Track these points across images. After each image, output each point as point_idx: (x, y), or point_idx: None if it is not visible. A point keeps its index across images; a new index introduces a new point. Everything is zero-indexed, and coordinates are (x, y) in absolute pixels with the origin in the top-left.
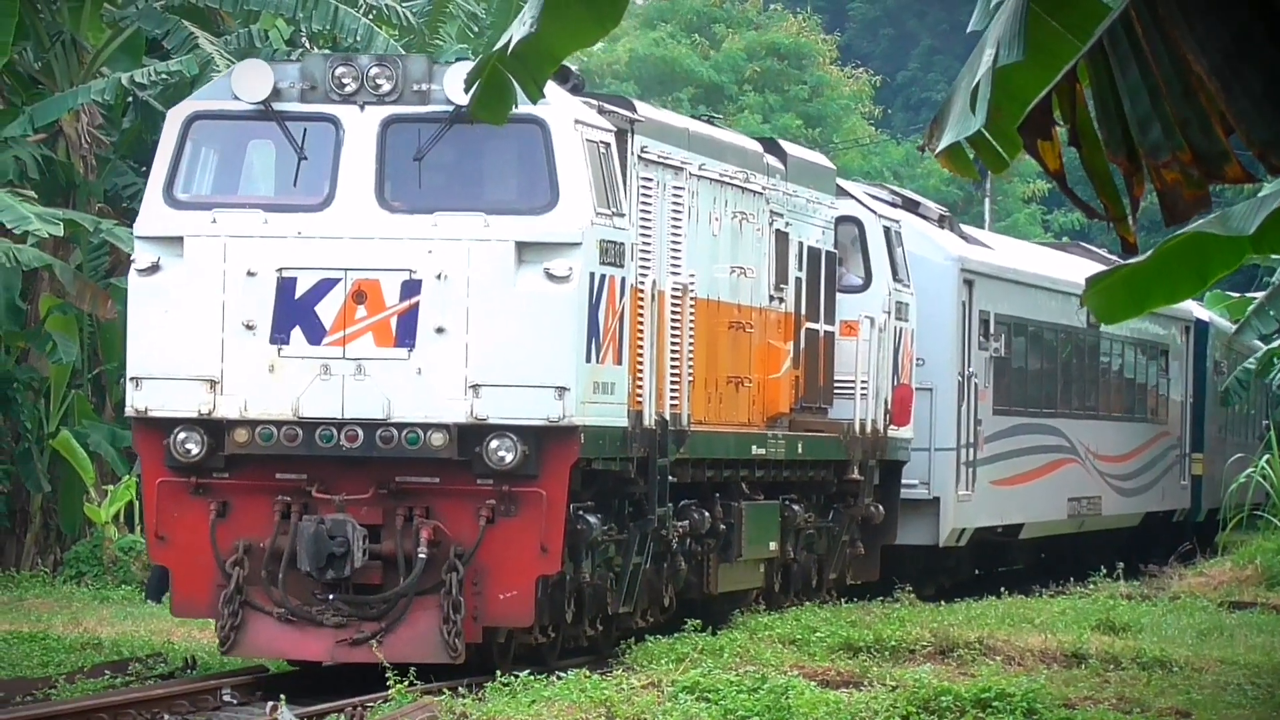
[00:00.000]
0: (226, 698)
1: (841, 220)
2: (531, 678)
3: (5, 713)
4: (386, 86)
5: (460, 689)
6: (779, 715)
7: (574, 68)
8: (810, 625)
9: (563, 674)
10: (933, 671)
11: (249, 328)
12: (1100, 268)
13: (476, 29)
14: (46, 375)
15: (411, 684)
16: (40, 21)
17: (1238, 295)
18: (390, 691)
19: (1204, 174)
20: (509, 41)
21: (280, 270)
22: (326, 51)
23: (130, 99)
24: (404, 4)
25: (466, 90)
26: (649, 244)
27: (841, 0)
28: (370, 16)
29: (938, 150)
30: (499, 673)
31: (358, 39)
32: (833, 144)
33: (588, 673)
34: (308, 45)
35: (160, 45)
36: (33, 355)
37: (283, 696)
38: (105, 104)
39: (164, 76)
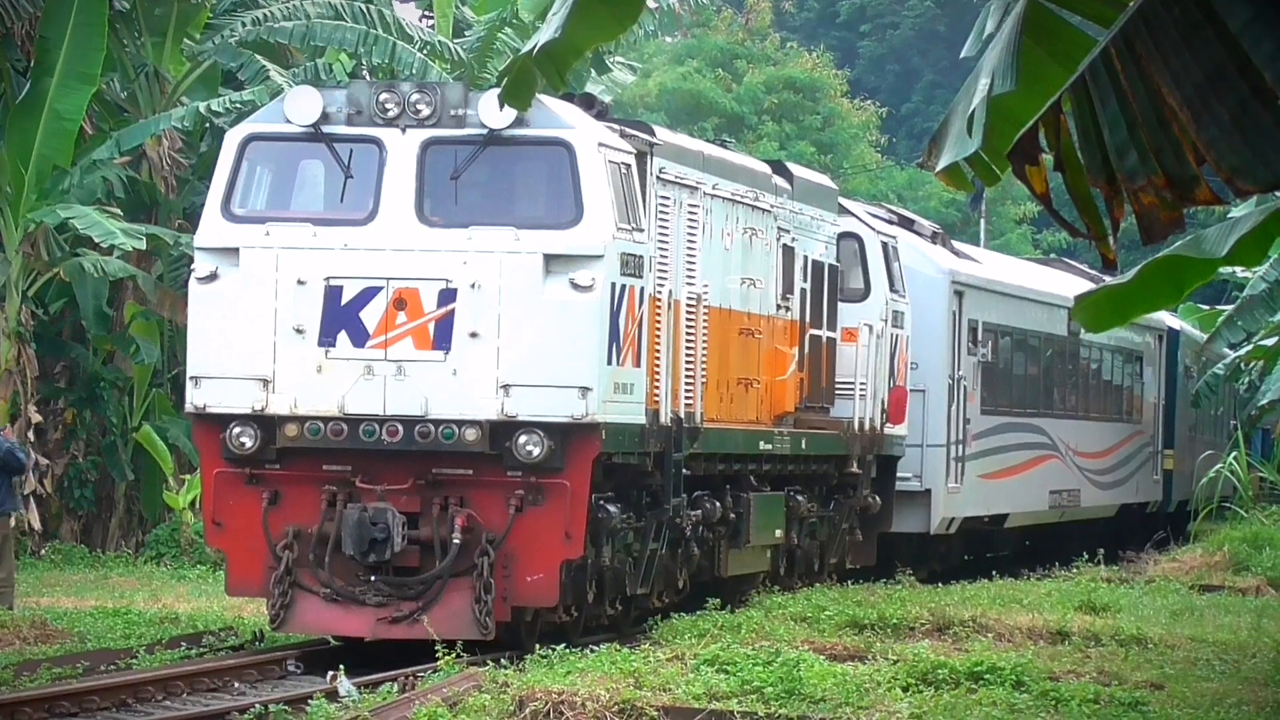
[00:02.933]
0: (291, 668)
1: (843, 236)
2: (567, 651)
3: (91, 679)
4: (426, 111)
5: (502, 660)
6: (791, 686)
7: (603, 98)
8: (820, 605)
9: (594, 648)
10: (931, 647)
11: (299, 331)
12: (1080, 280)
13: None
14: (130, 375)
15: (458, 656)
16: (126, 55)
17: (1208, 308)
18: (439, 663)
19: (1177, 197)
20: (536, 44)
21: (328, 279)
22: (370, 80)
23: (207, 125)
24: (456, 40)
25: (498, 84)
26: (666, 257)
27: (852, 39)
28: (425, 52)
29: (937, 169)
30: (538, 646)
31: (413, 72)
32: (843, 169)
33: (617, 646)
34: (368, 78)
35: (235, 77)
36: (118, 357)
37: (341, 667)
38: (185, 130)
39: (238, 105)
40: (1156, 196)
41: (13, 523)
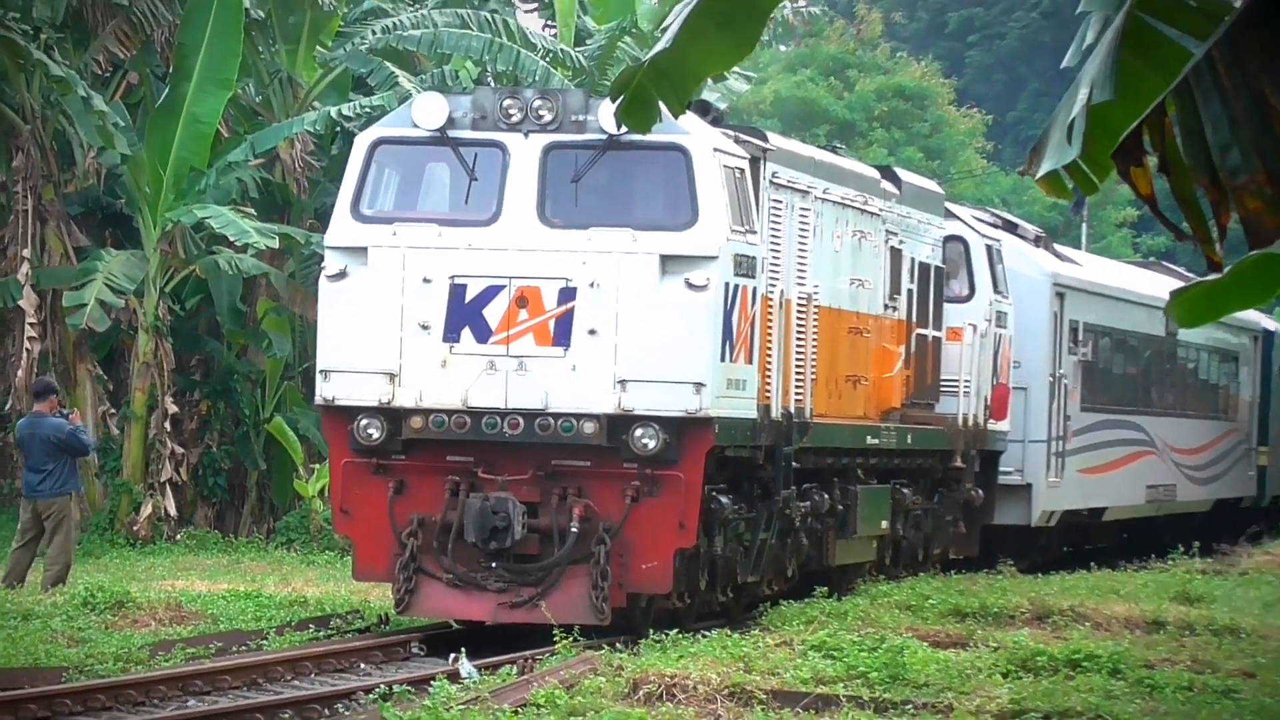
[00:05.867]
0: (415, 650)
1: (949, 239)
2: (679, 636)
3: (223, 660)
4: (548, 117)
5: (617, 644)
6: (896, 671)
7: (719, 105)
8: (923, 593)
9: (706, 634)
10: (1030, 635)
11: (424, 328)
12: (1179, 283)
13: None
14: (263, 368)
15: (575, 640)
16: (261, 61)
17: None
18: (557, 646)
19: (1276, 194)
20: (650, 56)
21: (452, 277)
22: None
23: (338, 129)
24: (577, 48)
25: (613, 100)
26: (778, 258)
27: (960, 49)
28: (547, 59)
29: (1038, 175)
30: (652, 631)
31: (536, 79)
32: (949, 174)
33: (728, 632)
34: (493, 85)
35: (365, 82)
36: (251, 351)
37: (463, 649)
38: (316, 133)
39: (368, 110)
40: (1259, 195)
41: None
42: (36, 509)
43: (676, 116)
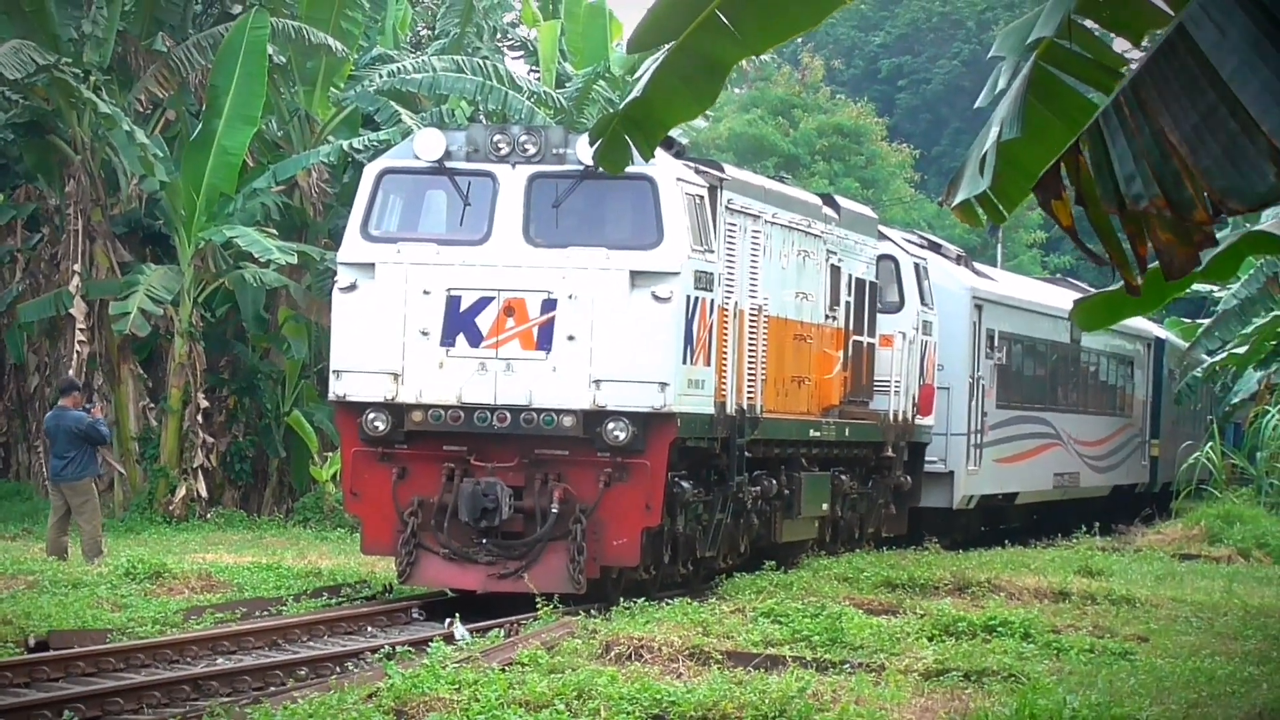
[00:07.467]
0: (415, 615)
1: (882, 257)
2: (646, 604)
3: (247, 623)
4: (532, 150)
5: (591, 611)
6: (834, 635)
7: (681, 139)
8: (859, 567)
9: (669, 602)
10: (952, 604)
11: (424, 333)
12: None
13: (613, 110)
14: (283, 368)
15: (555, 607)
16: (282, 101)
17: (1190, 320)
18: (539, 613)
19: (1176, 217)
20: (624, 103)
21: (449, 290)
22: (486, 123)
23: (349, 160)
24: (558, 90)
25: (591, 143)
26: (732, 274)
27: (891, 91)
28: (532, 100)
29: (953, 204)
30: (621, 600)
31: (522, 117)
32: (882, 201)
33: (688, 600)
34: (484, 122)
35: (373, 119)
36: (273, 353)
37: (457, 615)
38: (330, 164)
39: (375, 143)
40: (1161, 220)
41: (94, 486)
42: (62, 491)
43: (647, 160)
